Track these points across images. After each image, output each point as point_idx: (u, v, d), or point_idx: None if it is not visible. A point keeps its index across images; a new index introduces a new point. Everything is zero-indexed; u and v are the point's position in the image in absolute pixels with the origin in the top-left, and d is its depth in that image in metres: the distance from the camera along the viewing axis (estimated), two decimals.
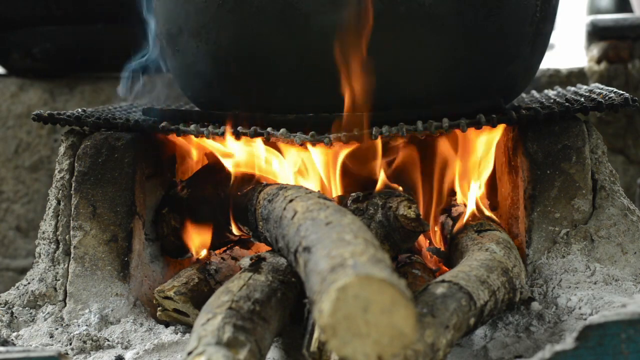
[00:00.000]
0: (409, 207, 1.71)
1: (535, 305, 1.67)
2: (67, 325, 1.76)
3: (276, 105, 1.75)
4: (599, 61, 2.89)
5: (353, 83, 1.67)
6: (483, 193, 1.96)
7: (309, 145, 1.77)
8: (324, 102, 1.71)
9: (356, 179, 1.87)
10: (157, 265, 1.93)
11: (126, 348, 1.68)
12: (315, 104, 1.72)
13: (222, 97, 1.84)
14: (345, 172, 1.87)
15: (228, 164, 1.89)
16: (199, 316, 1.36)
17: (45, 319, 1.78)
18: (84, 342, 1.67)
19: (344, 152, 1.84)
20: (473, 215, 1.85)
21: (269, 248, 1.73)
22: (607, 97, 1.86)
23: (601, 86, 2.13)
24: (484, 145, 1.91)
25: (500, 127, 1.86)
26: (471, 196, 1.91)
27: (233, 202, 1.83)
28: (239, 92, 1.78)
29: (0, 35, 2.83)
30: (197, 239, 1.89)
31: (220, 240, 1.91)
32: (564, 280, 1.74)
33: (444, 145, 1.94)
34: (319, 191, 1.71)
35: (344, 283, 1.10)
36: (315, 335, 1.41)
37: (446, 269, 1.82)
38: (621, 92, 1.90)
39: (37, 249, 1.88)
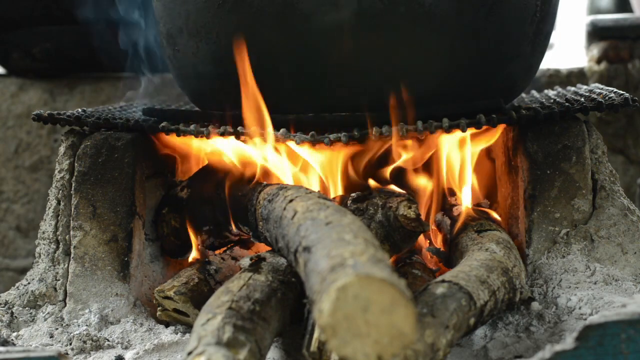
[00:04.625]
0: (409, 207, 1.71)
1: (535, 305, 1.67)
2: (67, 325, 1.76)
3: (276, 105, 1.75)
4: (599, 61, 2.89)
5: (352, 83, 1.67)
6: (479, 193, 1.97)
7: (308, 146, 1.77)
8: (324, 102, 1.71)
9: (357, 179, 1.88)
10: (157, 265, 1.93)
11: (126, 348, 1.68)
12: (315, 104, 1.72)
13: (222, 97, 1.84)
14: (346, 172, 1.87)
15: (229, 164, 1.89)
16: (199, 316, 1.36)
17: (45, 319, 1.78)
18: (84, 342, 1.67)
19: (344, 152, 1.84)
20: (472, 215, 1.85)
21: (269, 248, 1.73)
22: (607, 97, 1.86)
23: (601, 86, 2.13)
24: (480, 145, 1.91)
25: (500, 128, 1.86)
26: (467, 196, 1.91)
27: (233, 202, 1.83)
28: (239, 92, 1.78)
29: (0, 36, 2.83)
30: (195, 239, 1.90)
31: (220, 240, 1.91)
32: (564, 280, 1.74)
33: (442, 145, 1.94)
34: (319, 191, 1.71)
35: (344, 283, 1.10)
36: (315, 335, 1.41)
37: (446, 269, 1.82)
38: (621, 92, 1.90)
39: (37, 249, 1.88)
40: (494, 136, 1.91)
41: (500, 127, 1.88)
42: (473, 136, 1.89)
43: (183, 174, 2.02)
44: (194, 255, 1.89)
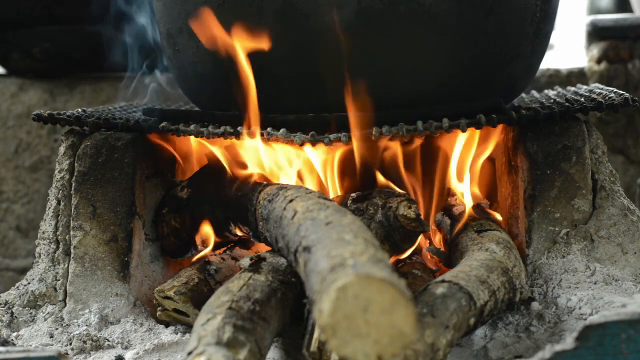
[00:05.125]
0: (409, 207, 1.71)
1: (535, 305, 1.67)
2: (67, 325, 1.76)
3: (276, 105, 1.75)
4: (599, 61, 2.89)
5: (352, 83, 1.67)
6: (479, 193, 1.97)
7: (308, 146, 1.76)
8: (324, 102, 1.71)
9: (355, 179, 1.88)
10: (157, 265, 1.93)
11: (126, 348, 1.68)
12: (315, 104, 1.72)
13: (222, 97, 1.84)
14: (345, 172, 1.87)
15: (228, 164, 1.89)
16: (199, 316, 1.36)
17: (45, 319, 1.78)
18: (84, 342, 1.67)
19: (343, 152, 1.84)
20: (472, 215, 1.85)
21: (269, 248, 1.73)
22: (607, 97, 1.86)
23: (601, 86, 2.13)
24: (480, 145, 1.91)
25: (499, 127, 1.86)
26: (467, 196, 1.91)
27: (233, 202, 1.83)
28: (239, 92, 1.78)
29: (0, 36, 2.83)
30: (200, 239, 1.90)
31: (220, 240, 1.91)
32: (564, 280, 1.74)
33: (442, 145, 1.94)
34: (319, 191, 1.71)
35: (343, 283, 1.10)
36: (315, 335, 1.41)
37: (446, 269, 1.82)
38: (621, 92, 1.90)
39: (37, 249, 1.88)
40: (494, 139, 1.92)
41: (498, 131, 1.88)
42: (477, 138, 1.90)
43: (183, 174, 2.02)
44: (206, 251, 1.88)
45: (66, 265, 1.83)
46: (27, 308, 1.82)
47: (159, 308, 1.75)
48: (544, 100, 2.06)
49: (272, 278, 1.53)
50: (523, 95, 2.31)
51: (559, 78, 2.86)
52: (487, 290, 1.49)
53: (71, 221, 1.84)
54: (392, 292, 1.10)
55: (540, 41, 1.86)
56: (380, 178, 1.84)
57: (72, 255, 1.82)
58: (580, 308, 1.66)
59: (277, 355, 1.57)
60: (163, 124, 1.84)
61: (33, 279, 1.85)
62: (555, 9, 1.90)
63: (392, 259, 1.77)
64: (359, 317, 1.10)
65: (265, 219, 1.65)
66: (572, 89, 2.24)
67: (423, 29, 1.70)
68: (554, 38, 2.82)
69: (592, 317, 1.29)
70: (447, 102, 1.75)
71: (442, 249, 1.89)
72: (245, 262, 1.58)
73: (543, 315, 1.65)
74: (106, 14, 2.32)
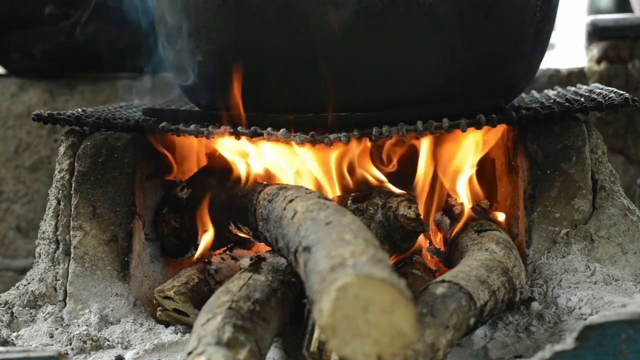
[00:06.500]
0: (409, 207, 1.71)
1: (535, 305, 1.67)
2: (67, 325, 1.76)
3: (276, 105, 1.75)
4: (599, 61, 2.89)
5: (352, 83, 1.67)
6: (479, 192, 1.97)
7: (307, 146, 1.76)
8: (323, 102, 1.71)
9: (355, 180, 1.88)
10: (157, 265, 1.93)
11: (126, 348, 1.68)
12: (315, 104, 1.72)
13: (222, 97, 1.84)
14: (344, 172, 1.87)
15: (228, 164, 1.89)
16: (199, 316, 1.36)
17: (45, 319, 1.78)
18: (84, 342, 1.67)
19: (343, 152, 1.84)
20: (472, 215, 1.85)
21: (269, 248, 1.73)
22: (607, 97, 1.86)
23: (601, 86, 2.13)
24: (478, 144, 1.91)
25: (500, 127, 1.86)
26: (465, 196, 1.91)
27: (233, 202, 1.83)
28: (239, 92, 1.78)
29: (0, 36, 2.83)
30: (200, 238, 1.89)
31: (220, 241, 1.91)
32: (564, 280, 1.74)
33: (441, 145, 1.94)
34: (319, 191, 1.71)
35: (343, 283, 1.10)
36: (315, 335, 1.41)
37: (446, 269, 1.82)
38: (621, 92, 1.90)
39: (37, 249, 1.88)
40: (494, 138, 1.92)
41: (499, 131, 1.88)
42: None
43: (183, 174, 2.02)
44: (205, 243, 1.88)
45: (66, 265, 1.83)
46: (27, 308, 1.82)
47: (159, 308, 1.75)
48: (544, 100, 2.06)
49: (272, 278, 1.53)
50: (523, 95, 2.31)
51: (559, 78, 2.86)
52: (487, 290, 1.49)
53: (71, 221, 1.84)
54: (392, 292, 1.10)
55: (540, 41, 1.86)
56: (372, 179, 1.84)
57: (72, 255, 1.82)
58: (580, 308, 1.66)
59: (277, 355, 1.57)
60: (163, 124, 1.84)
61: (33, 279, 1.85)
62: (555, 9, 1.90)
63: (392, 259, 1.77)
64: (359, 317, 1.10)
65: (265, 219, 1.65)
66: (572, 89, 2.24)
67: (423, 29, 1.69)
68: (554, 38, 2.82)
69: (592, 317, 1.29)
70: (447, 102, 1.75)
71: (442, 249, 1.89)
72: (245, 262, 1.58)
73: (543, 315, 1.65)
74: (106, 14, 2.32)
